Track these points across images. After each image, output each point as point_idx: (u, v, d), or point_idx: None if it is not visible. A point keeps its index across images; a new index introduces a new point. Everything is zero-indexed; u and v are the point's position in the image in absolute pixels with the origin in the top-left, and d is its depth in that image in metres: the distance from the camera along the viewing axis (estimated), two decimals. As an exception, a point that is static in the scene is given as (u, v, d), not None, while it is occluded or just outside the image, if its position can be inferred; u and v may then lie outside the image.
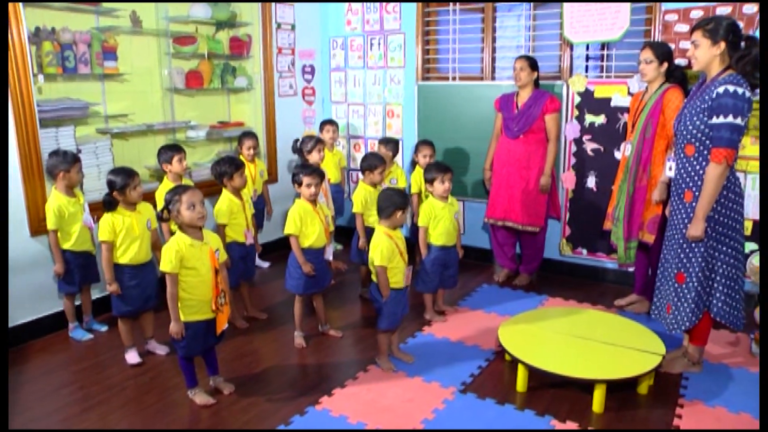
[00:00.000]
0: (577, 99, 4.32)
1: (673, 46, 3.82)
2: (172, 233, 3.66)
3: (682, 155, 2.94)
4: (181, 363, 2.90)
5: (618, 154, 4.17)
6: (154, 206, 3.82)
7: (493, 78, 4.79)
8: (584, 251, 4.52)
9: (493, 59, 4.77)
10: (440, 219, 3.65)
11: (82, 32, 3.87)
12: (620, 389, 2.94)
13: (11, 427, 2.70)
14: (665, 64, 3.52)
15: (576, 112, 4.34)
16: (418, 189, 4.45)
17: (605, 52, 4.28)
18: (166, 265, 2.68)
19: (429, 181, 3.67)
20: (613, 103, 4.19)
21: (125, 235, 3.19)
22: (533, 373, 2.93)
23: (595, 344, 3.07)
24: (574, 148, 4.40)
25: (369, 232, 3.92)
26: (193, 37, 4.61)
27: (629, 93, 4.10)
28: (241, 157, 4.55)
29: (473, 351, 3.39)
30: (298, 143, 4.35)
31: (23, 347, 3.58)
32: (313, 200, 3.38)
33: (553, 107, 4.14)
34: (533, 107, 4.16)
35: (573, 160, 4.42)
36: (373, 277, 3.12)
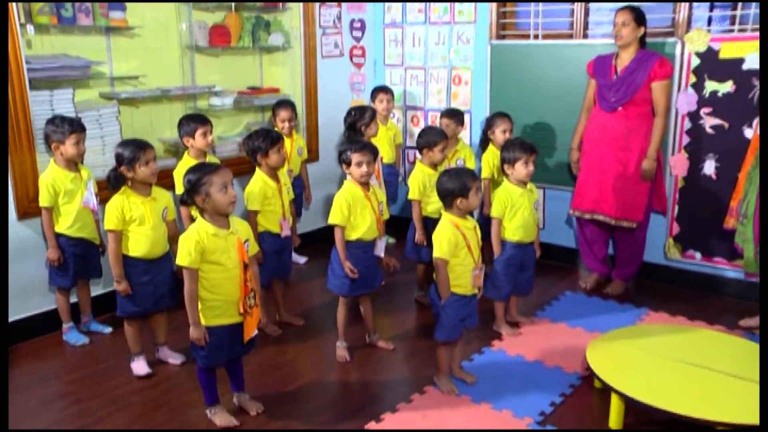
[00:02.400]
0: (696, 61, 4.15)
1: None
2: (193, 220, 3.66)
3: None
4: (199, 375, 2.89)
5: (749, 133, 3.99)
6: (172, 187, 3.83)
7: (585, 35, 4.69)
8: (697, 255, 4.37)
9: (587, 12, 4.67)
10: (518, 209, 3.62)
11: (82, -26, 3.89)
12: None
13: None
14: None
15: (693, 79, 4.17)
16: (490, 172, 4.43)
17: (740, -1, 4.09)
18: (183, 259, 2.65)
19: (510, 161, 3.62)
20: (745, 66, 3.99)
21: (137, 225, 3.19)
22: (631, 406, 2.81)
23: (714, 375, 2.92)
24: (688, 125, 4.24)
25: (428, 222, 3.88)
26: (219, -16, 4.62)
27: (769, 52, 3.87)
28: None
29: (554, 374, 3.33)
30: (353, 115, 4.32)
31: (9, 350, 3.62)
32: (365, 182, 3.36)
33: (663, 72, 4.00)
34: (637, 72, 4.02)
35: (686, 140, 4.27)
36: (434, 276, 3.10)
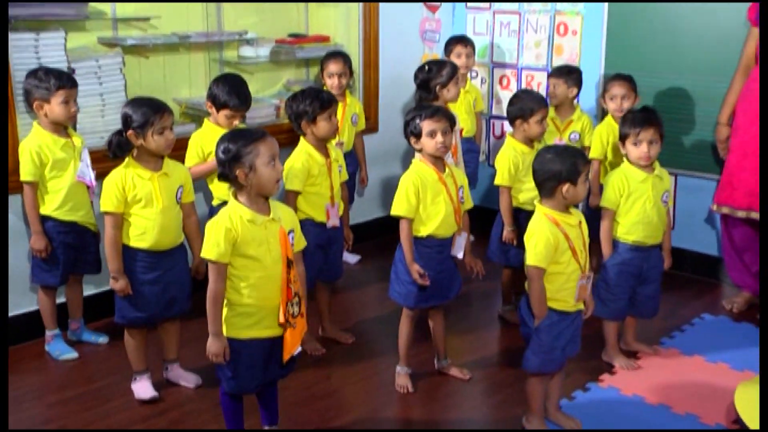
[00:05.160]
0: None
1: None
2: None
3: None
4: (223, 401, 2.90)
5: None
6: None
7: (744, -33, 4.58)
8: None
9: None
10: (636, 199, 3.59)
11: None
12: None
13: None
14: None
15: None
16: (601, 151, 4.46)
17: None
18: (210, 251, 2.66)
19: (621, 138, 3.64)
20: None
21: (142, 207, 3.20)
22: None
23: None
24: None
25: (519, 215, 3.95)
26: None
27: None
28: (325, 91, 4.50)
29: (687, 424, 3.29)
30: (428, 71, 4.31)
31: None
32: (440, 159, 3.35)
33: None
34: (822, 18, 3.93)
35: None
36: (526, 286, 3.08)
